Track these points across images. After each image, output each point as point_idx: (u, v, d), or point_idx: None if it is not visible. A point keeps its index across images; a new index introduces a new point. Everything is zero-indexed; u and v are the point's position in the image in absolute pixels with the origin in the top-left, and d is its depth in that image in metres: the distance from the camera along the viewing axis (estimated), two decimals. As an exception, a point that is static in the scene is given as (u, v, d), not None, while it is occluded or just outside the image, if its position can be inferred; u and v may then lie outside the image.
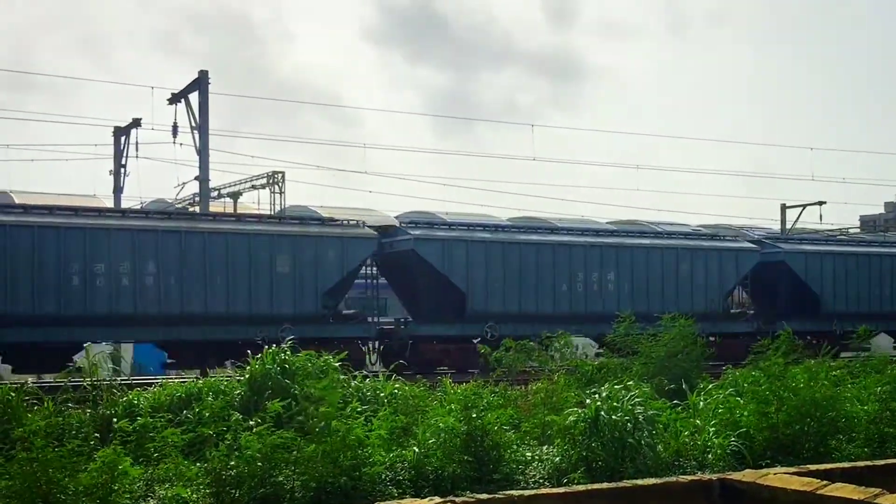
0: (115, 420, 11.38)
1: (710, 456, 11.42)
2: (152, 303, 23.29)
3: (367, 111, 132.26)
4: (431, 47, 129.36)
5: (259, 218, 26.31)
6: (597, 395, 11.53)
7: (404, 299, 29.43)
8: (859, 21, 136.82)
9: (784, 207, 46.34)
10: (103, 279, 22.78)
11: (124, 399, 13.02)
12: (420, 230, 27.52)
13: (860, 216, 70.82)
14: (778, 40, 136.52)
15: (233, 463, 9.50)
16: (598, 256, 29.18)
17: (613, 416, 10.96)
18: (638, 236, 31.33)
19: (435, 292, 27.43)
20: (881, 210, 75.96)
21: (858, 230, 58.00)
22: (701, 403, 13.34)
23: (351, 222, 27.18)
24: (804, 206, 45.57)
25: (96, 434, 11.01)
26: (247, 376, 12.94)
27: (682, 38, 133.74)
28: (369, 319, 27.14)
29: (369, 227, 27.34)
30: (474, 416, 11.00)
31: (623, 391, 11.64)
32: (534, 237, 29.11)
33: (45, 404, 12.04)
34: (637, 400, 11.44)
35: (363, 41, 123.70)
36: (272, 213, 38.95)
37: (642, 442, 10.86)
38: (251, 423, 10.24)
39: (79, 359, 16.96)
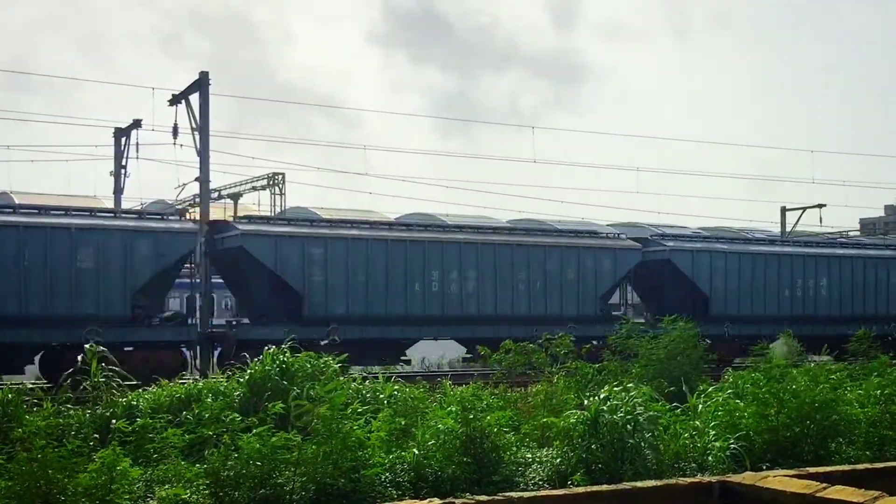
0: (114, 421, 11.37)
1: (709, 458, 11.42)
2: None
3: (368, 113, 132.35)
4: (435, 49, 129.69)
5: (39, 210, 23.49)
6: (596, 397, 11.54)
7: (238, 299, 28.01)
8: (860, 24, 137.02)
9: (784, 210, 46.33)
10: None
11: (124, 400, 13.02)
12: (251, 225, 25.77)
13: (860, 219, 70.89)
14: (780, 43, 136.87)
15: (231, 463, 9.51)
16: (455, 254, 27.29)
17: (614, 417, 10.97)
18: (495, 233, 29.52)
19: (269, 292, 25.58)
20: (881, 213, 76.00)
21: (858, 233, 58.03)
22: (700, 406, 13.36)
23: (171, 217, 25.57)
24: (804, 209, 45.56)
25: (95, 435, 11.03)
26: (246, 377, 12.94)
27: (686, 40, 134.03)
28: (190, 321, 25.08)
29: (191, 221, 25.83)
30: (472, 417, 11.00)
31: (623, 393, 11.64)
32: (385, 233, 27.05)
33: (45, 405, 12.05)
34: (637, 401, 11.44)
35: (367, 42, 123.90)
36: (272, 214, 38.96)
37: (643, 443, 10.87)
38: (250, 423, 10.25)
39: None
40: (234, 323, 26.45)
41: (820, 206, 45.21)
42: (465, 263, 27.31)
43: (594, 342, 23.22)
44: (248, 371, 12.95)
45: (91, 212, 24.50)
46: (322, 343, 23.38)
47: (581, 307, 29.02)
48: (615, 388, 11.84)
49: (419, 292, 26.45)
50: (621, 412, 11.07)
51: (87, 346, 14.04)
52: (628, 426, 10.93)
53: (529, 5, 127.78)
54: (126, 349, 22.22)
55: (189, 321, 25.04)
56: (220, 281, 28.28)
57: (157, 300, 24.99)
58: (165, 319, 24.87)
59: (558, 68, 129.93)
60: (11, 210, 23.61)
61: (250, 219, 26.99)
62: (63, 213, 23.50)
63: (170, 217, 25.29)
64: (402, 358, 27.23)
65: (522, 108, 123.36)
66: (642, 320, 30.17)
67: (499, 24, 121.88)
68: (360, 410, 11.58)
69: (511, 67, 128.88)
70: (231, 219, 28.47)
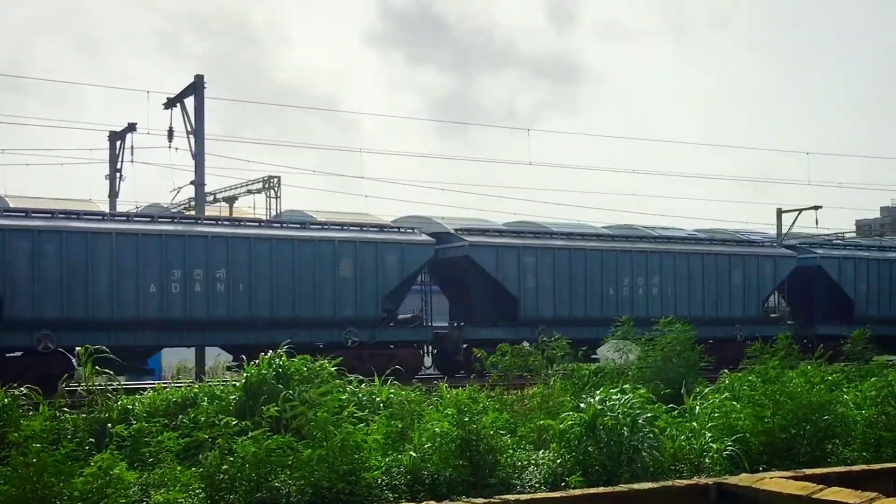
0: (109, 425, 11.36)
1: (706, 460, 11.41)
2: (222, 308, 23.94)
3: (365, 115, 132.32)
4: (433, 50, 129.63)
5: (322, 225, 26.62)
6: (593, 399, 11.53)
7: (455, 304, 30.10)
8: (857, 25, 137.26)
9: (780, 212, 46.25)
10: (179, 285, 23.54)
11: (119, 403, 12.99)
12: (474, 237, 28.20)
13: (856, 220, 70.96)
14: (778, 44, 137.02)
15: (225, 467, 9.49)
16: (643, 262, 30.15)
17: (612, 419, 10.97)
18: (680, 242, 32.31)
19: (487, 297, 28.30)
20: (877, 214, 76.09)
21: (854, 235, 58.02)
22: (697, 408, 13.36)
23: (408, 229, 27.61)
24: (800, 211, 45.47)
25: (91, 439, 11.01)
26: (243, 381, 12.92)
27: (684, 41, 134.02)
28: (424, 323, 27.66)
29: (425, 233, 27.81)
30: (467, 420, 10.99)
31: (619, 394, 11.64)
32: (581, 243, 29.88)
33: (41, 409, 12.02)
34: (634, 402, 11.44)
35: (364, 43, 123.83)
36: (268, 217, 38.93)
37: (641, 445, 10.86)
38: (245, 426, 10.24)
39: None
40: (456, 325, 28.79)
41: (816, 207, 45.19)
42: (650, 270, 30.24)
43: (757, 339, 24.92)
44: (245, 375, 12.94)
45: (344, 226, 26.91)
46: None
47: (746, 309, 31.87)
48: (611, 391, 11.83)
49: (613, 296, 29.28)
50: (619, 413, 11.07)
51: (79, 348, 13.91)
52: (625, 428, 10.93)
53: (528, 6, 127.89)
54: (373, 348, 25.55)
55: (424, 323, 27.56)
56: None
57: (398, 304, 27.59)
58: (405, 322, 27.46)
59: (556, 69, 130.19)
60: (280, 225, 26.65)
61: (470, 231, 28.94)
62: (319, 226, 26.38)
63: (408, 230, 27.46)
64: (592, 356, 27.68)
65: (520, 109, 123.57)
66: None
67: (497, 24, 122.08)
68: (356, 413, 11.57)
69: (509, 68, 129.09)
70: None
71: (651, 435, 11.10)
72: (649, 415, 11.38)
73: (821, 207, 45.40)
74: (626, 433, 10.91)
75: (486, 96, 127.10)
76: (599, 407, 11.26)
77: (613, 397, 11.51)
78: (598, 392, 12.04)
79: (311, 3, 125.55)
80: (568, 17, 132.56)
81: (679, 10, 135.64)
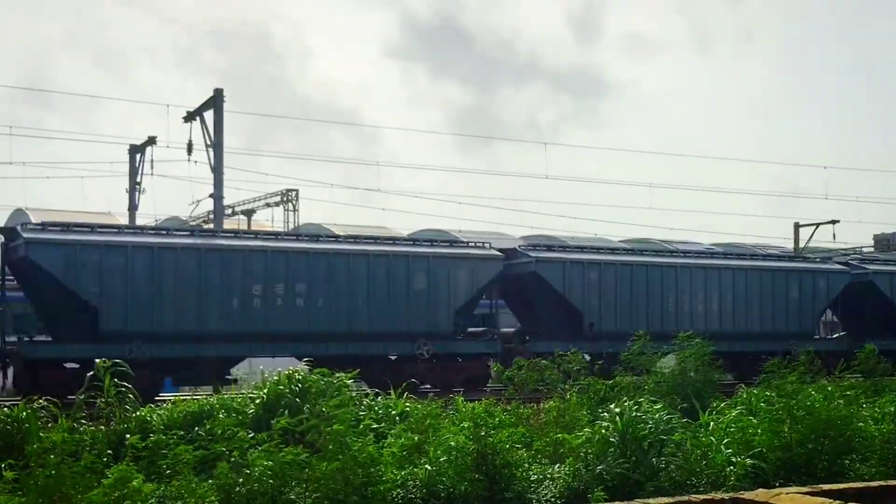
0: (127, 436, 11.41)
1: (724, 475, 11.37)
2: (301, 321, 24.35)
3: (386, 129, 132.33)
4: (455, 63, 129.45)
5: (394, 240, 27.19)
6: (620, 411, 11.52)
7: (522, 318, 30.59)
8: (878, 38, 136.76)
9: (797, 226, 46.21)
10: (259, 299, 23.92)
11: (137, 415, 13.06)
12: (540, 252, 28.93)
13: (874, 235, 70.50)
14: (800, 58, 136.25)
15: (241, 480, 9.52)
16: (702, 277, 30.70)
17: (644, 430, 11.01)
18: (736, 258, 33.15)
19: (553, 312, 28.82)
20: (895, 229, 75.62)
21: (872, 249, 57.74)
22: (711, 423, 13.32)
23: (478, 244, 28.20)
24: (817, 225, 45.44)
25: (109, 451, 11.08)
26: (262, 395, 12.97)
27: (708, 54, 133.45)
28: (494, 336, 28.07)
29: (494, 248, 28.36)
30: (484, 434, 11.00)
31: (647, 407, 11.67)
32: (642, 258, 30.78)
33: (60, 421, 12.11)
34: (665, 416, 11.48)
35: (386, 57, 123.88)
36: (286, 230, 39.11)
37: (670, 458, 10.89)
38: (259, 439, 10.28)
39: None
40: (526, 337, 28.94)
41: (833, 221, 45.11)
42: (710, 285, 30.71)
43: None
44: (263, 391, 12.99)
45: (413, 241, 27.83)
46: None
47: (802, 324, 32.49)
48: (628, 404, 11.82)
49: (672, 311, 29.82)
50: (651, 426, 11.11)
51: (98, 361, 13.98)
52: (657, 440, 10.97)
53: (552, 19, 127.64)
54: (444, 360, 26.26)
55: (494, 336, 27.97)
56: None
57: (468, 318, 28.03)
58: (476, 335, 27.96)
59: (579, 82, 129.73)
60: (353, 240, 26.58)
61: (535, 247, 29.94)
62: (391, 241, 27.04)
63: (479, 244, 28.14)
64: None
65: (542, 122, 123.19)
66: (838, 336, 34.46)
67: (520, 37, 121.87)
68: (372, 426, 11.59)
69: (531, 82, 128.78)
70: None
71: (682, 448, 11.13)
72: (679, 428, 11.42)
73: (838, 222, 45.41)
74: (656, 445, 10.94)
75: (507, 110, 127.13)
76: (635, 415, 11.28)
77: (635, 410, 11.52)
78: (614, 405, 12.04)
79: (333, 17, 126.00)
80: (592, 30, 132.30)
81: (704, 24, 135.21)
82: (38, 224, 23.46)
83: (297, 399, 12.37)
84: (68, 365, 22.35)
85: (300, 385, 12.73)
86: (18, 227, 22.85)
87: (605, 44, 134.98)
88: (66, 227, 22.80)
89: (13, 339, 23.63)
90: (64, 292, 21.99)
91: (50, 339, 23.70)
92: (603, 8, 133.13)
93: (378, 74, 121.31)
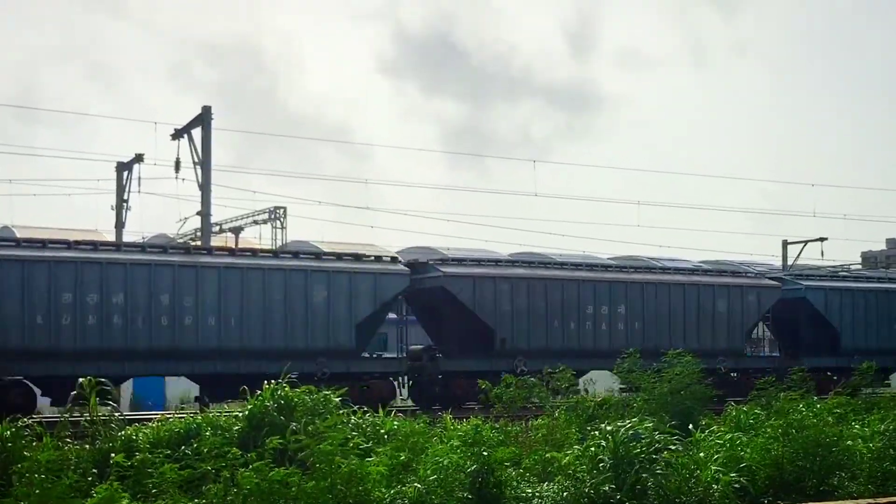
0: (112, 455, 11.30)
1: (712, 493, 11.34)
2: (190, 338, 23.61)
3: (377, 147, 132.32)
4: (448, 78, 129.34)
5: (294, 254, 26.45)
6: (612, 430, 11.47)
7: (431, 334, 29.81)
8: (865, 54, 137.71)
9: (785, 243, 46.30)
10: (141, 314, 23.14)
11: (122, 434, 12.94)
12: (450, 267, 27.88)
13: (861, 252, 70.78)
14: (794, 74, 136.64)
15: (230, 498, 9.44)
16: (622, 292, 29.74)
17: (636, 448, 10.97)
18: (659, 272, 31.69)
19: (463, 328, 27.95)
20: (883, 247, 75.96)
21: (860, 266, 57.95)
22: (702, 440, 13.30)
23: (385, 258, 27.36)
24: (805, 243, 45.52)
25: (94, 469, 10.97)
26: (246, 412, 12.88)
27: (703, 69, 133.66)
28: (398, 355, 27.62)
29: (402, 263, 27.61)
30: (484, 453, 10.95)
31: (637, 426, 11.64)
32: (559, 273, 29.47)
33: (45, 439, 11.99)
34: (657, 436, 11.44)
35: (378, 72, 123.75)
36: (273, 248, 39.03)
37: (657, 478, 10.86)
38: (249, 459, 10.20)
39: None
40: (432, 355, 28.15)
41: (821, 239, 45.21)
42: (631, 301, 29.72)
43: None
44: (248, 406, 12.89)
45: (316, 255, 26.47)
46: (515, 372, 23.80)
47: (730, 341, 31.44)
48: (618, 423, 11.79)
49: (590, 328, 28.87)
50: (644, 444, 11.07)
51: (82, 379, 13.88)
52: (645, 460, 10.94)
53: (547, 34, 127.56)
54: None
55: (397, 354, 27.67)
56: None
57: (372, 334, 27.44)
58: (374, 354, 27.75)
59: (574, 98, 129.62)
60: (250, 254, 26.22)
61: (445, 261, 28.48)
62: (291, 255, 26.06)
63: (385, 259, 27.16)
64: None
65: (536, 138, 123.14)
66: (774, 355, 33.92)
67: (516, 52, 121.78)
68: (361, 445, 11.53)
69: (526, 97, 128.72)
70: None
71: (673, 467, 11.10)
72: (672, 447, 11.38)
73: (826, 239, 45.51)
74: (646, 464, 10.90)
75: (501, 126, 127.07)
76: (628, 433, 11.23)
77: (624, 429, 11.47)
78: (605, 424, 12.01)
79: (326, 32, 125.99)
80: (587, 45, 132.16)
81: (699, 38, 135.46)
82: None
83: (282, 416, 12.28)
84: None
85: (284, 402, 12.64)
86: None
87: (601, 59, 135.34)
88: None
89: None
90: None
91: None
92: (598, 22, 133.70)
93: (370, 90, 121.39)
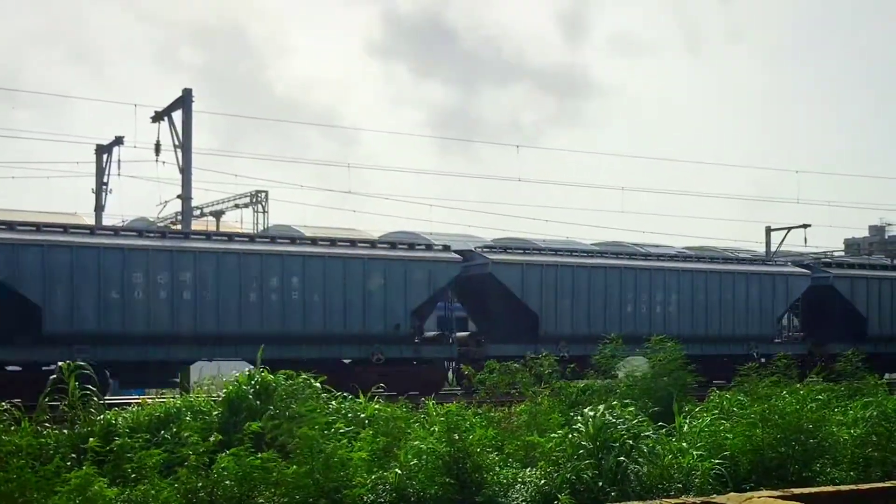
0: (90, 440, 11.20)
1: (694, 479, 11.32)
2: (255, 323, 23.72)
3: (364, 131, 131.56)
4: (439, 62, 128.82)
5: (352, 242, 26.63)
6: (593, 415, 11.42)
7: (477, 321, 30.45)
8: (848, 41, 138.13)
9: (769, 230, 46.45)
10: (210, 300, 23.29)
11: (101, 419, 12.82)
12: (497, 254, 28.63)
13: (844, 239, 71.13)
14: (783, 61, 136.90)
15: (200, 484, 9.36)
16: (661, 280, 30.48)
17: (617, 433, 10.93)
18: (695, 261, 32.87)
19: (509, 314, 28.53)
20: (865, 233, 76.34)
21: (843, 253, 58.19)
22: (685, 426, 13.28)
23: (436, 247, 27.86)
24: (789, 229, 45.69)
25: (73, 455, 10.86)
26: (224, 397, 12.80)
27: (698, 55, 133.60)
28: (451, 341, 27.93)
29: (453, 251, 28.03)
30: (457, 437, 10.88)
31: (618, 412, 11.60)
32: (603, 261, 30.44)
33: (23, 424, 11.86)
34: (635, 421, 11.40)
35: (368, 55, 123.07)
36: (255, 232, 38.89)
37: (638, 463, 10.82)
38: (229, 441, 10.12)
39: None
40: (479, 339, 28.71)
41: (805, 226, 45.40)
42: (668, 288, 30.45)
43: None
44: (226, 391, 12.81)
45: (372, 244, 27.18)
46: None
47: (761, 328, 32.38)
48: (600, 408, 11.74)
49: (630, 313, 29.57)
50: (623, 430, 11.03)
51: (62, 363, 13.75)
52: (627, 443, 10.90)
53: (540, 18, 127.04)
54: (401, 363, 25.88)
55: (450, 340, 27.81)
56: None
57: (424, 321, 27.76)
58: (431, 339, 27.82)
59: (565, 83, 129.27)
60: (310, 242, 26.48)
61: (492, 248, 29.57)
62: (349, 244, 26.20)
63: (437, 248, 27.80)
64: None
65: (525, 123, 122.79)
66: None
67: (507, 36, 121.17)
68: (342, 430, 11.47)
69: (516, 82, 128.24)
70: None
71: (653, 453, 11.06)
72: (650, 433, 11.34)
73: (810, 226, 45.72)
74: (627, 449, 10.86)
75: (491, 111, 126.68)
76: (607, 419, 11.18)
77: (607, 414, 11.43)
78: (587, 409, 11.96)
79: (314, 13, 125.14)
80: (580, 30, 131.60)
81: (694, 23, 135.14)
82: None
83: (258, 401, 12.21)
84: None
85: (260, 386, 12.56)
86: None
87: (594, 44, 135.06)
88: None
89: None
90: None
91: None
92: (591, 7, 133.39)
93: (359, 73, 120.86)
